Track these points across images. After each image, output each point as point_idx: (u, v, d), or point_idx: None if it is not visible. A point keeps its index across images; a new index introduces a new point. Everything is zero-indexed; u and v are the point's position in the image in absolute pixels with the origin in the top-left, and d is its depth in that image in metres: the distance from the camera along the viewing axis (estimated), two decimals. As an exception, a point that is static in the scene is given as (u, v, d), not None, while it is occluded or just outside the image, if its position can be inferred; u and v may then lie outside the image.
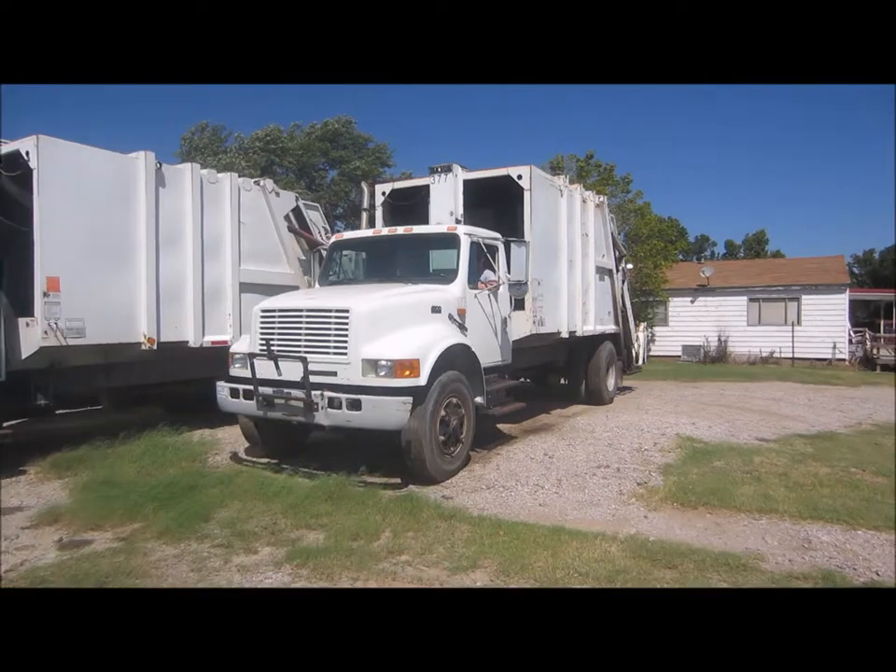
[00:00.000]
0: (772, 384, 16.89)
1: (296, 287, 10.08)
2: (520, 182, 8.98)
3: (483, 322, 7.82)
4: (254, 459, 7.63)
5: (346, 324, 6.35)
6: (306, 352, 6.42)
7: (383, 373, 6.14)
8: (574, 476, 6.75)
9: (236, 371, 7.10)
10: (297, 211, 10.59)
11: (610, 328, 12.38)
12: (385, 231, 8.77)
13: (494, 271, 8.10)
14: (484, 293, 7.84)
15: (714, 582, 4.10)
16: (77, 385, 7.96)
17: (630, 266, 16.11)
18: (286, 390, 6.47)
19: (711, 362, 25.24)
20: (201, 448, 7.84)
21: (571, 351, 11.52)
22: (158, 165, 8.20)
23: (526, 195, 8.97)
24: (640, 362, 14.58)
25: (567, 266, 10.29)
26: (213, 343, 8.90)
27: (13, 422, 7.53)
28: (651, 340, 22.87)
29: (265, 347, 6.60)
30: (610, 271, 12.51)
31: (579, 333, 10.68)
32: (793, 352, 25.00)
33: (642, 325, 15.66)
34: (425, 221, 9.26)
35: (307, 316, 6.68)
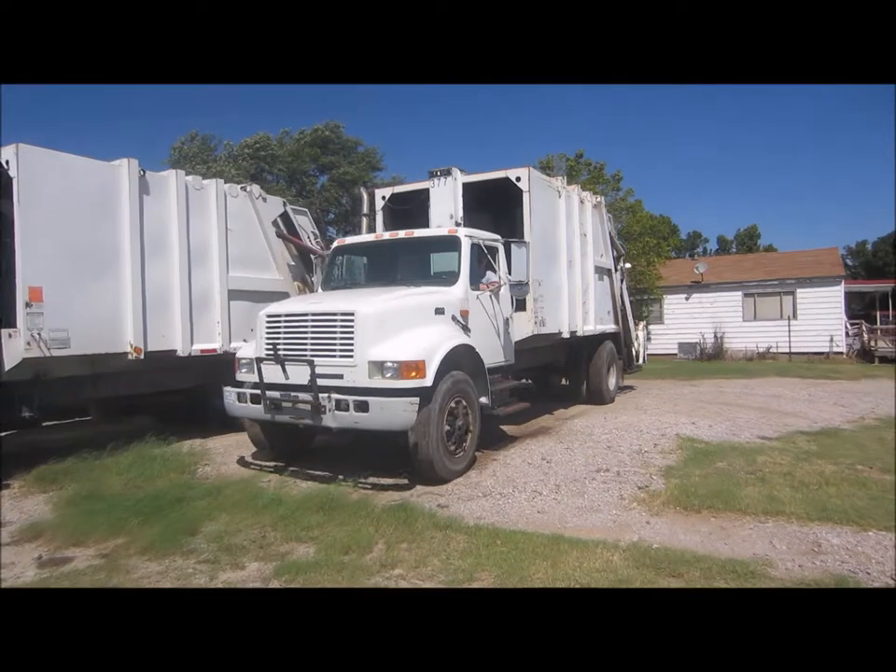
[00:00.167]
0: (770, 379, 16.74)
1: (286, 294, 9.95)
2: (518, 184, 9.06)
3: (486, 323, 7.89)
4: (261, 463, 7.66)
5: (352, 327, 6.43)
6: (313, 355, 6.50)
7: (389, 375, 6.22)
8: (573, 481, 6.58)
9: (243, 375, 7.24)
10: (285, 216, 10.44)
11: (610, 327, 12.42)
12: (387, 235, 8.82)
13: (495, 272, 8.16)
14: (486, 294, 7.91)
15: (721, 591, 3.94)
16: (64, 397, 7.82)
17: (629, 265, 16.09)
18: (293, 393, 6.56)
19: (708, 359, 25.12)
20: (190, 459, 7.70)
21: (572, 351, 11.57)
22: (141, 172, 8.07)
23: (525, 197, 9.04)
24: (641, 361, 14.56)
25: (567, 266, 10.35)
26: (202, 351, 8.76)
27: (-1, 434, 7.38)
28: (647, 338, 22.77)
29: (272, 351, 6.68)
30: (609, 270, 12.56)
31: (579, 333, 10.73)
32: (790, 346, 24.86)
33: (641, 324, 15.62)
34: (424, 225, 9.30)
35: (313, 320, 6.76)
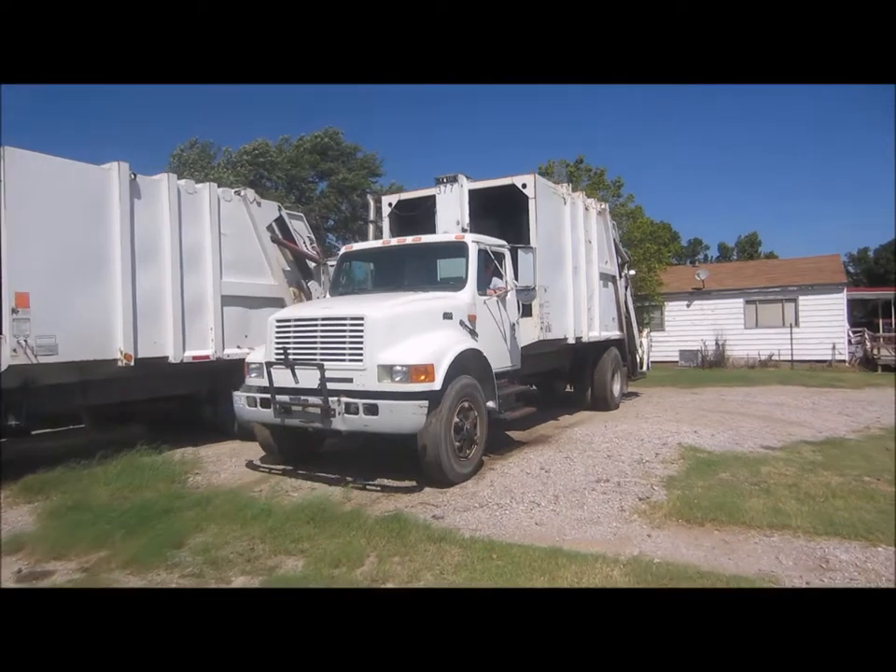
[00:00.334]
0: (773, 388, 16.54)
1: (281, 299, 9.80)
2: (524, 191, 9.12)
3: (493, 328, 7.94)
4: (270, 466, 7.72)
5: (361, 331, 6.50)
6: (322, 359, 6.56)
7: (398, 378, 6.27)
8: (572, 491, 6.40)
9: (252, 380, 7.31)
10: (280, 221, 10.27)
11: (615, 333, 12.41)
12: (394, 241, 8.88)
13: (501, 277, 8.17)
14: (493, 299, 7.95)
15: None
16: (53, 404, 7.66)
17: (633, 272, 16.08)
18: (303, 397, 6.67)
19: (709, 367, 24.90)
20: (181, 468, 7.54)
21: (577, 357, 11.62)
22: (132, 176, 7.90)
23: (531, 203, 9.11)
24: (645, 368, 14.50)
25: (573, 273, 10.39)
26: (194, 358, 8.57)
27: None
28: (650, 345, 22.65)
29: (282, 355, 6.76)
30: (614, 277, 12.59)
31: (584, 339, 10.78)
32: (792, 354, 24.67)
33: (646, 331, 15.56)
34: (431, 231, 9.35)
35: (322, 325, 6.82)
